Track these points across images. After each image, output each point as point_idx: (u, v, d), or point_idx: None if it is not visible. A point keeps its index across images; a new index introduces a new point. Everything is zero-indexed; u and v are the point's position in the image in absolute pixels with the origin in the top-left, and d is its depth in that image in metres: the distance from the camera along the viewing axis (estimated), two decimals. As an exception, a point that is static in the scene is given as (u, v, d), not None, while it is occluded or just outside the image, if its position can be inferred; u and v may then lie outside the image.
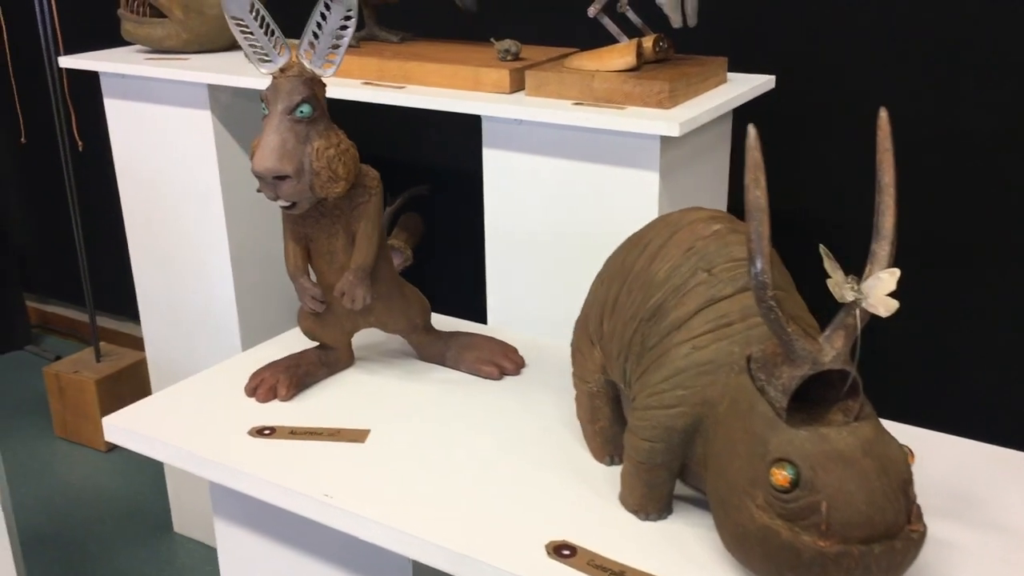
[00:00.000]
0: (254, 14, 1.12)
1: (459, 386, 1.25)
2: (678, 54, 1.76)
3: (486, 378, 1.27)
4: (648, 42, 1.69)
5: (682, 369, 0.91)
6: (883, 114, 0.84)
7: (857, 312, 0.80)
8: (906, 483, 0.82)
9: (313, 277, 1.23)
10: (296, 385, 1.23)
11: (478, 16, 1.89)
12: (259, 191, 1.16)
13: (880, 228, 0.83)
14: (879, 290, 0.80)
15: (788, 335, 0.81)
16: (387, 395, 1.24)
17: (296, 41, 1.14)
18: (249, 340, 2.22)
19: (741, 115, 1.76)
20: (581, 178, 1.65)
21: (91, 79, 2.26)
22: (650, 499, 0.97)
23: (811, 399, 0.85)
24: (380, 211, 1.19)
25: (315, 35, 1.12)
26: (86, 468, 2.80)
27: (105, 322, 3.25)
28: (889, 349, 1.90)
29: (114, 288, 3.15)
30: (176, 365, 2.34)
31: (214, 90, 2.05)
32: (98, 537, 2.49)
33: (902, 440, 0.85)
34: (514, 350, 1.31)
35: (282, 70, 1.12)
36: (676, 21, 1.67)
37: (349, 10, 1.10)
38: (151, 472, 2.73)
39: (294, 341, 1.36)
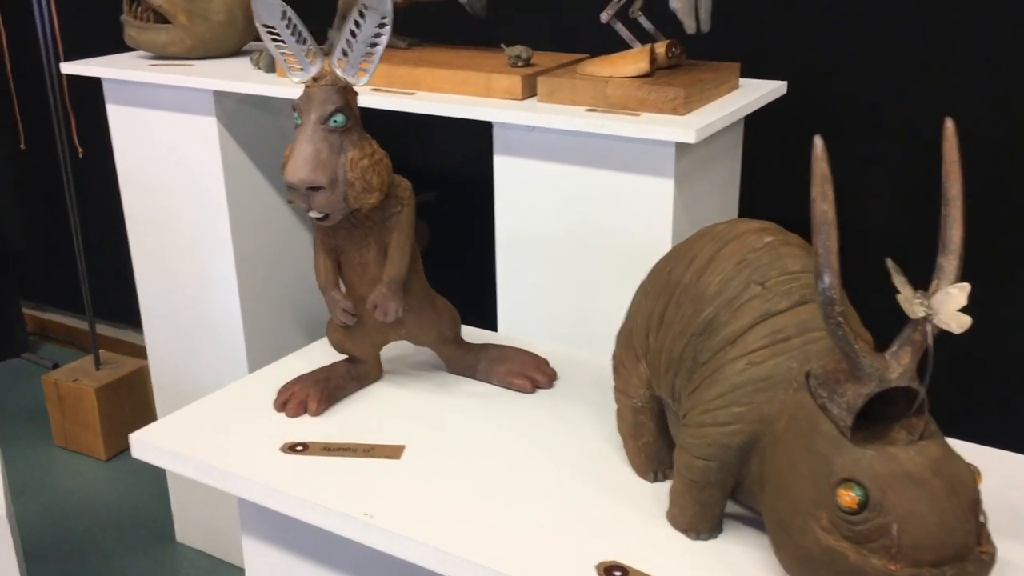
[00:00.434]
0: (286, 22, 1.10)
1: (492, 400, 1.23)
2: (689, 60, 1.75)
3: (518, 391, 1.25)
4: (661, 48, 1.69)
5: (738, 385, 0.89)
6: (949, 124, 0.82)
7: (929, 328, 0.78)
8: (975, 503, 0.80)
9: (342, 288, 1.20)
10: (326, 399, 1.20)
11: (484, 22, 1.87)
12: (290, 202, 1.13)
13: (948, 241, 0.81)
14: (949, 305, 0.78)
15: (856, 352, 0.79)
16: (419, 409, 1.21)
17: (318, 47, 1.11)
18: (254, 348, 2.20)
19: (750, 121, 1.75)
20: (594, 185, 1.63)
21: (91, 85, 2.23)
22: (702, 518, 0.95)
23: (872, 416, 0.83)
24: (412, 222, 1.17)
25: (348, 43, 1.10)
26: (86, 477, 2.76)
27: (103, 330, 3.21)
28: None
29: (112, 295, 3.12)
30: (179, 374, 2.31)
31: (219, 96, 2.03)
32: (99, 547, 2.46)
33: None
34: (545, 362, 1.28)
35: (315, 79, 1.09)
36: (690, 27, 1.67)
37: (384, 18, 1.08)
38: (152, 481, 2.70)
39: (319, 354, 1.34)
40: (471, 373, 1.28)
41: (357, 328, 1.21)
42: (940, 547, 0.77)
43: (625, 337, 1.04)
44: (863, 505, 0.79)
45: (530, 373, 1.25)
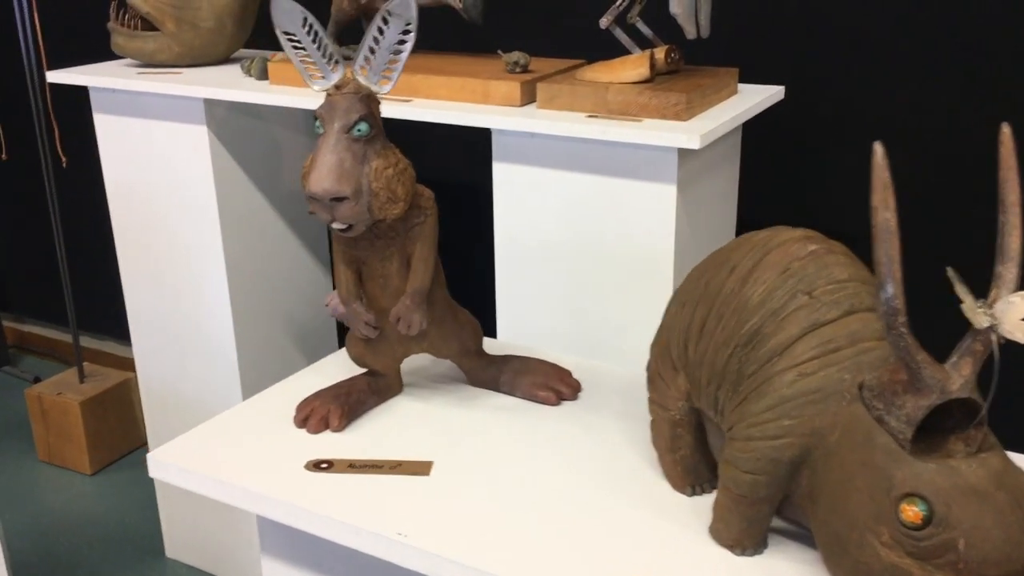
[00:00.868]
0: (307, 28, 1.07)
1: (517, 413, 1.21)
2: (687, 65, 1.75)
3: (543, 403, 1.22)
4: (660, 53, 1.68)
5: (788, 398, 0.87)
6: (1006, 130, 0.80)
7: (994, 338, 0.76)
8: (1039, 516, 0.79)
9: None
10: (348, 415, 1.17)
11: (479, 29, 1.85)
12: (311, 213, 1.10)
13: (1007, 249, 0.79)
14: (1013, 314, 0.77)
15: (918, 363, 0.77)
16: (444, 423, 1.19)
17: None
18: (246, 359, 2.18)
19: (746, 125, 1.75)
20: (594, 191, 1.63)
21: (73, 94, 2.19)
22: (748, 534, 0.93)
23: (926, 428, 0.82)
24: (436, 232, 1.14)
25: (371, 50, 1.07)
26: (72, 492, 2.71)
27: (85, 342, 3.16)
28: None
29: (95, 306, 3.07)
30: (169, 385, 2.28)
31: (210, 104, 2.00)
32: (87, 564, 2.41)
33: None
34: (568, 373, 1.26)
35: (337, 87, 1.07)
36: (691, 32, 1.66)
37: (408, 24, 1.05)
38: (140, 495, 2.65)
39: (334, 368, 1.31)
40: (493, 385, 1.25)
41: (378, 341, 1.18)
42: (1007, 561, 0.76)
43: (661, 348, 1.02)
44: (927, 520, 0.77)
45: (554, 385, 1.23)
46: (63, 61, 2.19)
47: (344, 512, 1.01)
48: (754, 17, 1.99)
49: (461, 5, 1.81)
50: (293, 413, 1.20)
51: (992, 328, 0.77)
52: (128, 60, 2.18)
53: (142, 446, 2.87)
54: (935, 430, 0.82)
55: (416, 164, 1.11)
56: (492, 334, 1.64)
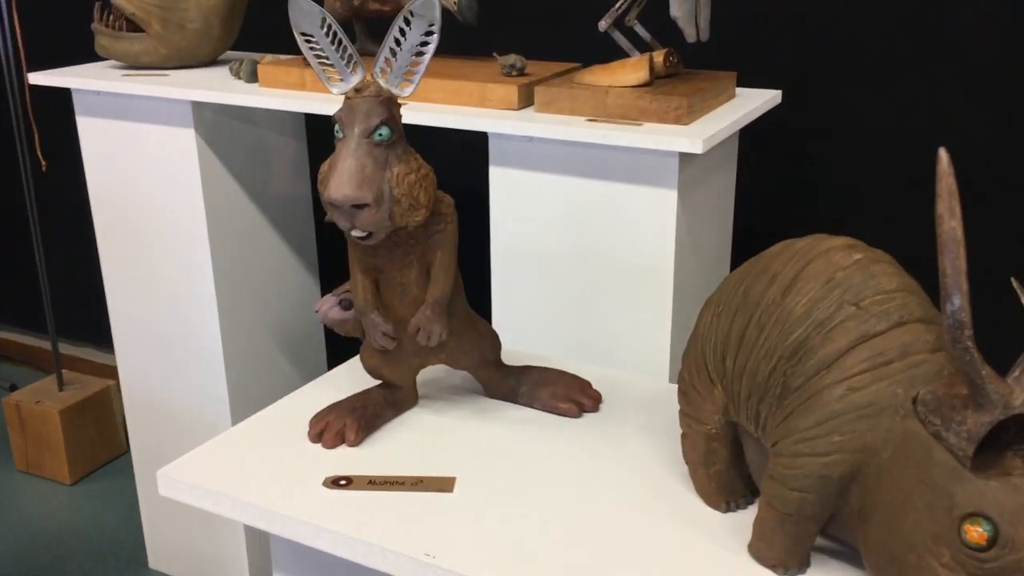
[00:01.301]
0: (325, 29, 1.03)
1: (538, 426, 1.17)
2: (685, 68, 1.73)
3: (564, 416, 1.19)
4: (659, 56, 1.67)
5: (838, 413, 0.84)
6: None
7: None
8: (1102, 534, 0.76)
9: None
10: (364, 429, 1.13)
11: (473, 30, 1.82)
12: (326, 220, 1.06)
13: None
14: (1077, 328, 0.74)
15: (983, 378, 0.75)
16: (463, 437, 1.15)
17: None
18: (233, 366, 2.14)
19: (741, 130, 1.74)
20: (593, 196, 1.61)
21: (53, 96, 2.14)
22: (792, 553, 0.90)
23: (983, 444, 0.79)
24: (456, 240, 1.10)
25: (392, 51, 1.03)
26: (52, 503, 2.64)
27: (64, 348, 3.09)
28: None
29: (73, 313, 3.00)
30: (154, 393, 2.24)
31: (198, 107, 1.97)
32: (68, 576, 2.35)
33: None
34: (588, 384, 1.23)
35: (357, 90, 1.03)
36: (691, 35, 1.65)
37: (432, 24, 1.02)
38: (121, 505, 2.60)
39: (345, 380, 1.26)
40: (512, 397, 1.21)
41: (395, 352, 1.14)
42: (1074, 582, 0.74)
43: (695, 359, 0.99)
44: (992, 541, 0.74)
45: (575, 396, 1.19)
46: (44, 63, 2.13)
47: (368, 532, 0.97)
48: (748, 20, 1.98)
49: (456, 7, 1.77)
50: (306, 427, 1.15)
51: (1060, 342, 0.74)
52: (111, 62, 2.13)
53: (123, 454, 2.81)
54: (990, 446, 0.79)
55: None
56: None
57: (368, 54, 1.86)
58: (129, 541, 2.47)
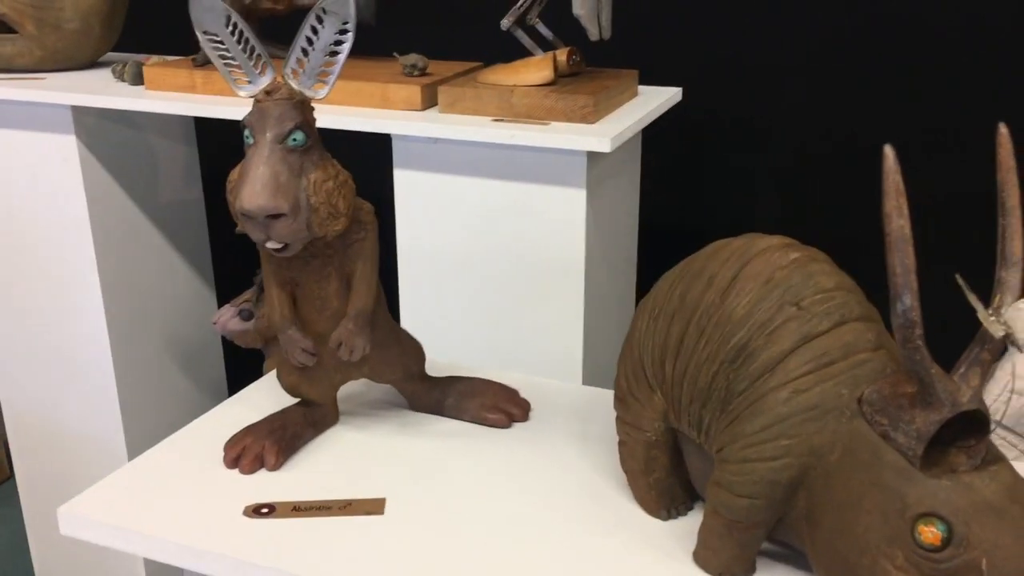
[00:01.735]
0: (231, 28, 0.97)
1: (468, 438, 1.13)
2: (587, 67, 1.72)
3: (493, 427, 1.15)
4: (563, 55, 1.66)
5: (784, 416, 0.83)
6: (1003, 130, 0.78)
7: (1019, 345, 0.73)
8: (1053, 528, 0.76)
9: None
10: (284, 451, 1.07)
11: (372, 29, 1.78)
12: (238, 232, 1.00)
13: (1009, 254, 0.77)
14: (1021, 322, 0.74)
15: (932, 376, 0.74)
16: (390, 455, 1.10)
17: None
18: (125, 384, 2.05)
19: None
20: (501, 197, 1.58)
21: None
22: (739, 559, 0.89)
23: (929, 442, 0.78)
24: (377, 248, 1.06)
25: (304, 51, 0.98)
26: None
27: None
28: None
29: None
30: (38, 415, 2.13)
31: (78, 112, 1.87)
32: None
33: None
34: (516, 393, 1.19)
35: (267, 92, 0.97)
36: (594, 34, 1.65)
37: (346, 23, 0.96)
38: (6, 536, 2.45)
39: (260, 398, 1.20)
40: (438, 410, 1.17)
41: (315, 369, 1.08)
42: (1029, 578, 0.73)
43: (632, 366, 0.96)
44: (947, 541, 0.74)
45: (504, 406, 1.16)
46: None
47: (296, 563, 0.92)
48: (643, 18, 1.98)
49: (354, 5, 1.72)
50: (220, 452, 1.09)
51: (1008, 337, 0.74)
52: (-18, 66, 2.01)
53: (5, 480, 2.66)
54: (934, 443, 0.79)
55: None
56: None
57: (274, 57, 1.80)
58: (16, 573, 2.33)
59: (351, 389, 1.21)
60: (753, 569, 0.91)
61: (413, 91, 1.65)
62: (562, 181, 1.55)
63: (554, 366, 1.63)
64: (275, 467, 1.06)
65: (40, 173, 1.93)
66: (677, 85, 1.82)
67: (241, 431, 1.09)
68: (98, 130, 1.93)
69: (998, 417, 1.02)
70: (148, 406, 2.12)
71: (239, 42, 0.97)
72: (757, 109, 1.99)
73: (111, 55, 2.09)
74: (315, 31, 0.97)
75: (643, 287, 1.89)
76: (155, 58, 1.91)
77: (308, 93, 0.98)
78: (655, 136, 1.88)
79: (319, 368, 1.08)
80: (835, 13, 1.88)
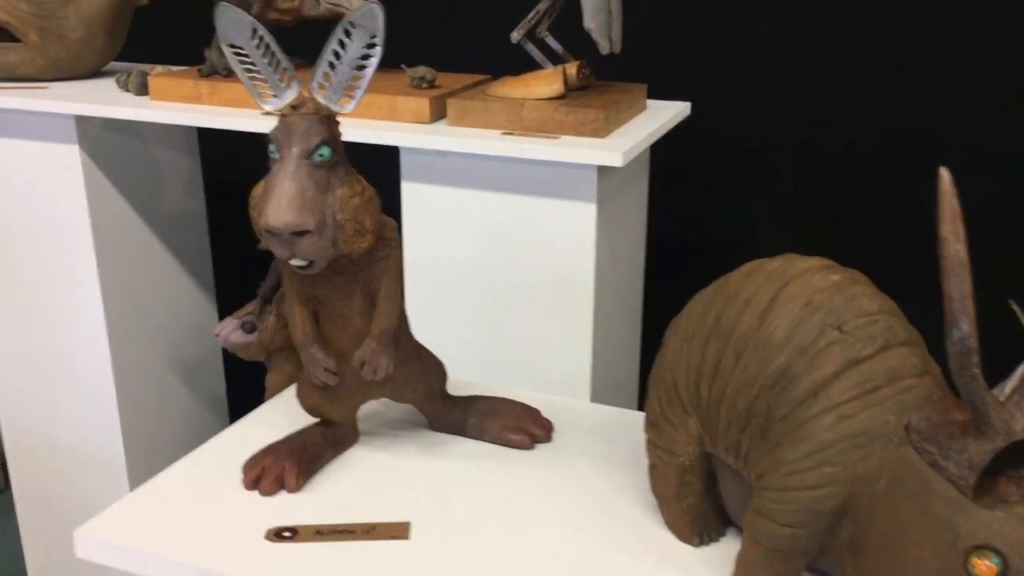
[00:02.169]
0: (256, 41, 0.94)
1: (492, 460, 1.10)
2: (597, 81, 1.71)
3: (516, 448, 1.13)
4: (572, 69, 1.66)
5: (828, 443, 0.81)
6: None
7: (1069, 375, 0.72)
8: (1107, 561, 0.75)
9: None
10: (305, 472, 1.05)
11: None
12: (261, 248, 0.98)
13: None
14: (1076, 350, 0.73)
15: (987, 405, 0.72)
16: (413, 476, 1.07)
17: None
18: (126, 396, 2.03)
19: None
20: (510, 211, 1.57)
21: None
22: (778, 588, 0.87)
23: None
24: (401, 266, 1.03)
25: (331, 65, 0.96)
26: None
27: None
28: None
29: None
30: (37, 427, 2.10)
31: (82, 122, 1.85)
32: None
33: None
34: (538, 413, 1.17)
35: (294, 107, 0.95)
36: (605, 47, 1.64)
37: (374, 36, 0.94)
38: (2, 547, 2.41)
39: (277, 416, 1.17)
40: (460, 430, 1.14)
41: (336, 388, 1.06)
42: (1084, 613, 0.72)
43: (665, 389, 0.94)
44: (1002, 575, 0.72)
45: (527, 427, 1.13)
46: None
47: (322, 589, 0.89)
48: (654, 32, 1.97)
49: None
50: (239, 473, 1.06)
51: (1064, 364, 0.72)
52: (-16, 75, 1.99)
53: (2, 492, 2.62)
54: (985, 473, 0.77)
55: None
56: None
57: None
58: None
59: (369, 408, 1.18)
60: (792, 599, 0.88)
61: (422, 103, 1.63)
62: (572, 195, 1.53)
63: (562, 381, 1.61)
64: (296, 489, 1.03)
65: (43, 182, 1.91)
66: (684, 98, 1.81)
67: (259, 452, 1.07)
68: (101, 140, 1.91)
69: None
70: (148, 418, 2.10)
71: (265, 55, 0.95)
72: (764, 123, 1.98)
73: (114, 64, 2.07)
74: (343, 45, 0.95)
75: (650, 302, 1.88)
76: (159, 68, 1.89)
77: (335, 108, 0.96)
78: (663, 149, 1.87)
79: (341, 387, 1.06)
80: (844, 27, 1.88)
